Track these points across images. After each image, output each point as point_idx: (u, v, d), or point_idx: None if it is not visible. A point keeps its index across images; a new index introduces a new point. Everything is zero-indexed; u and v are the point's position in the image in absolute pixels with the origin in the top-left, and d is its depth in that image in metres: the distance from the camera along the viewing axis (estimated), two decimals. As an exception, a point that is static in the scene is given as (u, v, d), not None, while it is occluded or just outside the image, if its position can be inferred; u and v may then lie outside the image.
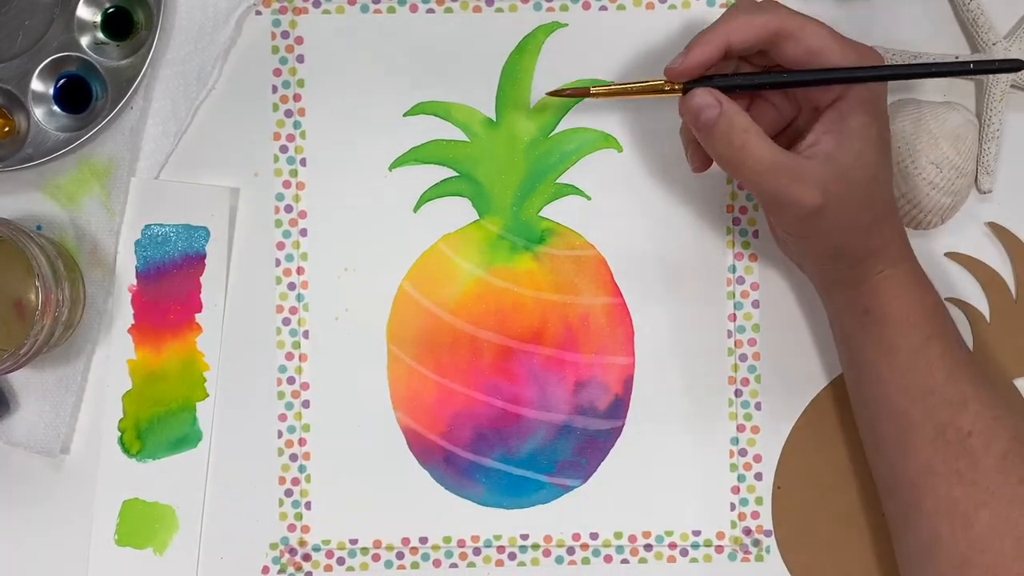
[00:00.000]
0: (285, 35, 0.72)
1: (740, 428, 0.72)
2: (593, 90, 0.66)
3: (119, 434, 0.71)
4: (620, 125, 0.72)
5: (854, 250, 0.64)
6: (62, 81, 0.70)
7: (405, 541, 0.72)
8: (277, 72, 0.72)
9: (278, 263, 0.72)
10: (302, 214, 0.72)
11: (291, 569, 0.72)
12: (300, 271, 0.72)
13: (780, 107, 0.65)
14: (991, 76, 0.69)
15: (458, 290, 0.72)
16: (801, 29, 0.61)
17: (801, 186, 0.60)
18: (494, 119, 0.72)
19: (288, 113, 0.72)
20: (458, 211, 0.72)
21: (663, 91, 0.63)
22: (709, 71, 0.62)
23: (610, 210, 0.72)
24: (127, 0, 0.70)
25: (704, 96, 0.61)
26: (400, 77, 0.72)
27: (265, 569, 0.72)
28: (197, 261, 0.71)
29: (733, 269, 0.72)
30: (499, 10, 0.72)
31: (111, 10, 0.71)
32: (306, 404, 0.72)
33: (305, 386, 0.72)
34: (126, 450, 0.71)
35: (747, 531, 0.72)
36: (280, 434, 0.72)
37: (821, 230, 0.62)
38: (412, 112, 0.72)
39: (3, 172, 0.70)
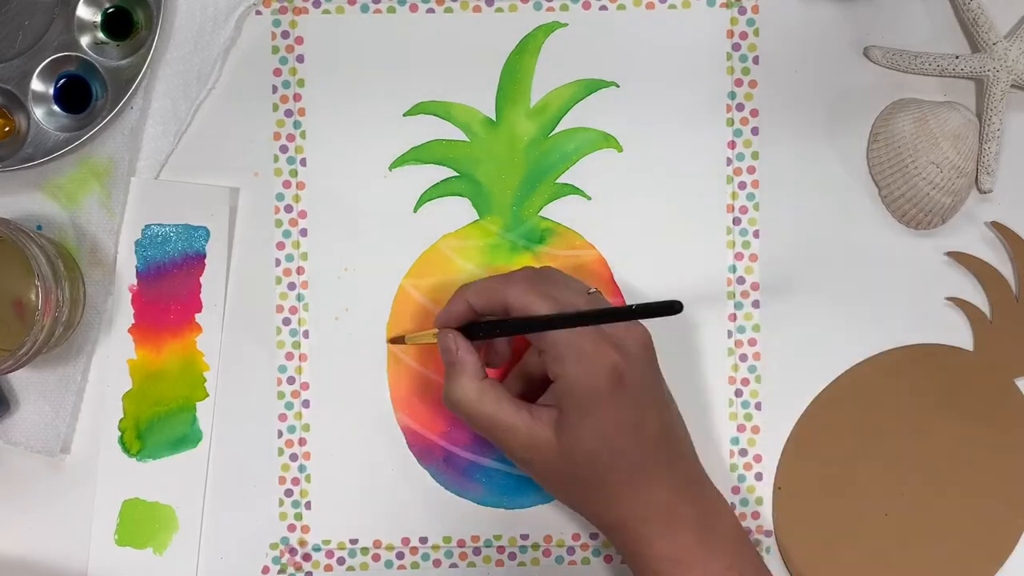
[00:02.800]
0: (285, 35, 0.72)
1: (740, 428, 0.72)
2: (407, 338, 0.70)
3: (119, 434, 0.71)
4: (620, 125, 0.72)
5: (593, 514, 0.65)
6: (62, 81, 0.70)
7: (405, 541, 0.72)
8: (277, 72, 0.72)
9: (278, 263, 0.72)
10: (302, 214, 0.72)
11: (291, 569, 0.72)
12: (300, 271, 0.72)
13: None
14: (991, 75, 0.69)
15: (458, 290, 0.72)
16: (523, 309, 0.63)
17: (506, 438, 0.63)
18: (494, 119, 0.72)
19: (288, 113, 0.72)
20: (458, 211, 0.72)
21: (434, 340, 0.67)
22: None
23: (610, 210, 0.72)
24: (127, 0, 0.70)
25: (445, 339, 0.65)
26: (400, 77, 0.72)
27: (265, 569, 0.72)
28: (197, 261, 0.71)
29: (733, 269, 0.72)
30: (499, 10, 0.72)
31: (111, 10, 0.71)
32: (306, 404, 0.72)
33: (305, 386, 0.72)
34: (126, 450, 0.71)
35: (747, 531, 0.72)
36: (280, 434, 0.72)
37: (542, 480, 0.65)
38: (412, 112, 0.72)
39: (3, 172, 0.70)
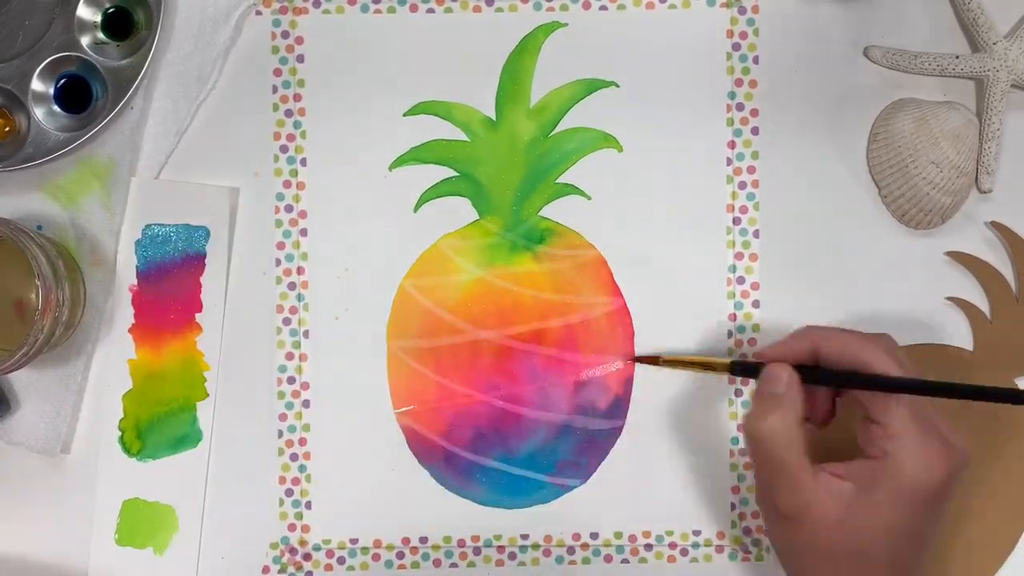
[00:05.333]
0: (285, 35, 0.72)
1: (740, 428, 0.72)
2: (662, 359, 0.70)
3: (119, 434, 0.71)
4: (620, 125, 0.72)
5: None
6: (62, 81, 0.70)
7: (405, 541, 0.72)
8: (277, 72, 0.72)
9: (278, 263, 0.72)
10: (302, 214, 0.72)
11: (291, 569, 0.72)
12: (300, 271, 0.72)
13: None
14: (991, 75, 0.69)
15: (458, 290, 0.72)
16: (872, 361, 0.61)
17: (785, 490, 0.60)
18: (494, 119, 0.72)
19: (288, 113, 0.72)
20: (458, 211, 0.72)
21: (715, 369, 0.68)
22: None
23: (610, 210, 0.72)
24: (127, 0, 0.70)
25: (779, 371, 0.62)
26: (400, 77, 0.72)
27: (266, 569, 0.72)
28: (197, 261, 0.71)
29: (733, 269, 0.72)
30: (499, 10, 0.72)
31: (111, 10, 0.71)
32: (306, 404, 0.72)
33: (305, 386, 0.72)
34: (126, 450, 0.71)
35: (747, 531, 0.72)
36: (280, 434, 0.72)
37: (784, 543, 0.62)
38: (412, 112, 0.72)
39: (4, 172, 0.70)
